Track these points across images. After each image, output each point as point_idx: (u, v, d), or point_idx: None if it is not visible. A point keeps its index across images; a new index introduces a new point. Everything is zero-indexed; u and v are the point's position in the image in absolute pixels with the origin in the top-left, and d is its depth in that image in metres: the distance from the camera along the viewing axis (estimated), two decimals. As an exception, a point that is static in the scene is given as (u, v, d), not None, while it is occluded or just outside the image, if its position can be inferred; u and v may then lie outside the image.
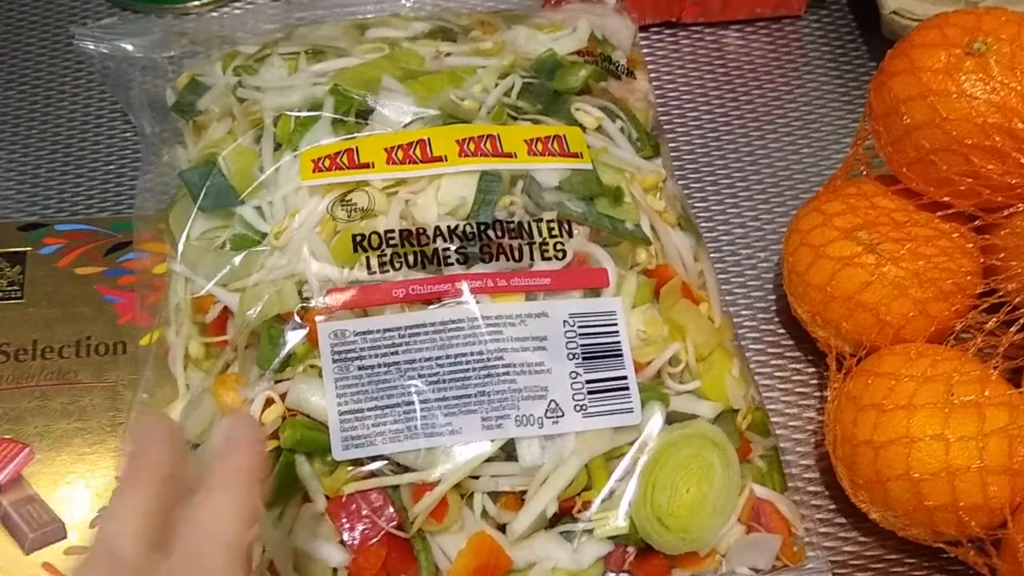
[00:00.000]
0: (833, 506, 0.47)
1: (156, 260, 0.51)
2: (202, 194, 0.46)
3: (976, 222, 0.45)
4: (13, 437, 0.46)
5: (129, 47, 0.53)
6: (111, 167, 0.56)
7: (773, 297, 0.52)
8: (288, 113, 0.47)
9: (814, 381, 0.50)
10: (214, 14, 0.62)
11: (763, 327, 0.52)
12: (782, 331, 0.51)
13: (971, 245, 0.45)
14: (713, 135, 0.58)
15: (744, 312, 0.52)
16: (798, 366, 0.51)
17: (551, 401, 0.42)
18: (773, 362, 0.51)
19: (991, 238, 0.45)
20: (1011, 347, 0.42)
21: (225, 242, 0.45)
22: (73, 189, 0.55)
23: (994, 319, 0.43)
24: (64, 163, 0.56)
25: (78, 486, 0.45)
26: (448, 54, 0.51)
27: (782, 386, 0.50)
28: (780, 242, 0.54)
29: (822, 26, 0.62)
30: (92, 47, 0.53)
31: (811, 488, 0.48)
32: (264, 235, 0.45)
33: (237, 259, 0.45)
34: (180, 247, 0.46)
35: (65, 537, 0.44)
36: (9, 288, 0.50)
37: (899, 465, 0.41)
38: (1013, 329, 0.42)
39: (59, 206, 0.54)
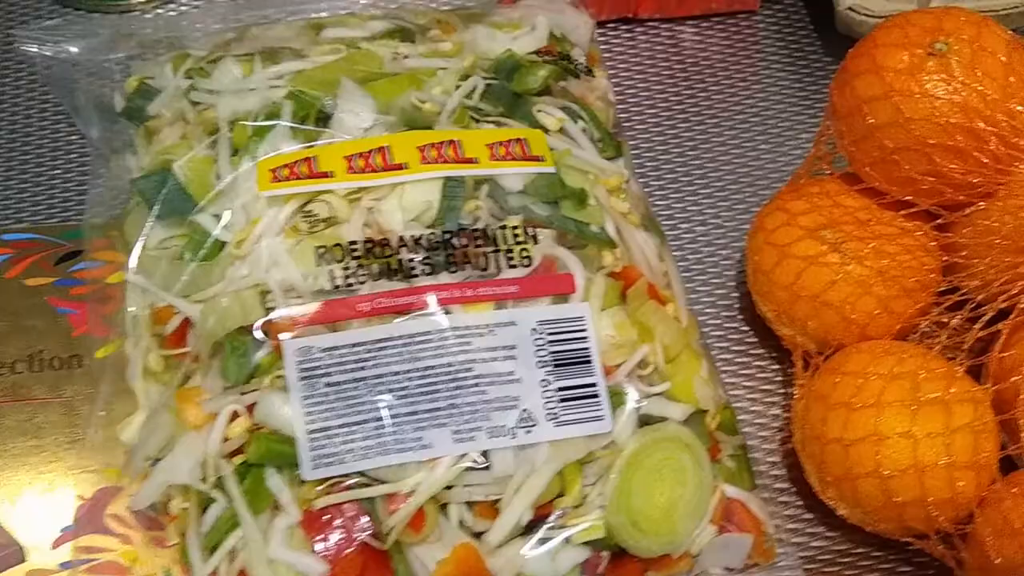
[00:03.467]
0: (800, 502, 0.47)
1: (110, 269, 0.49)
2: (158, 202, 0.45)
3: (938, 220, 0.45)
4: (-34, 458, 0.44)
5: (74, 49, 0.51)
6: (56, 173, 0.54)
7: (736, 295, 0.53)
8: (244, 119, 0.46)
9: (778, 378, 0.51)
10: (160, 11, 0.60)
11: (727, 325, 0.52)
12: (746, 328, 0.52)
13: (933, 243, 0.46)
14: (672, 132, 0.58)
15: (708, 311, 0.52)
16: (762, 363, 0.51)
17: (523, 411, 0.42)
18: (738, 360, 0.51)
19: (952, 236, 0.45)
20: (975, 344, 0.43)
21: (183, 252, 0.44)
22: (18, 196, 0.53)
23: (958, 316, 0.44)
24: (8, 171, 0.54)
25: (36, 507, 0.44)
26: (407, 56, 0.50)
27: (747, 384, 0.50)
28: (741, 239, 0.54)
29: (776, 21, 0.62)
30: (35, 49, 0.51)
31: (778, 485, 0.48)
32: (224, 244, 0.44)
33: (196, 269, 0.44)
34: (136, 257, 0.45)
35: (24, 560, 0.43)
36: (-44, 302, 0.48)
37: (868, 462, 0.41)
38: (977, 326, 0.43)
39: (4, 215, 0.52)
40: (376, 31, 0.51)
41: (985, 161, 0.42)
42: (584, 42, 0.54)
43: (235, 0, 0.59)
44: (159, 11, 0.60)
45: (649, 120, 0.58)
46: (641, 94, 0.59)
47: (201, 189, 0.45)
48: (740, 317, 0.52)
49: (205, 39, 0.51)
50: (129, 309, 0.46)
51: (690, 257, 0.54)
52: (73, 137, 0.55)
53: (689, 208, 0.55)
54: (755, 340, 0.51)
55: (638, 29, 0.61)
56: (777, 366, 0.51)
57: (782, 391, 0.50)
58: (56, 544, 0.43)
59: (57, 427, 0.46)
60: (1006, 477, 0.41)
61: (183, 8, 0.60)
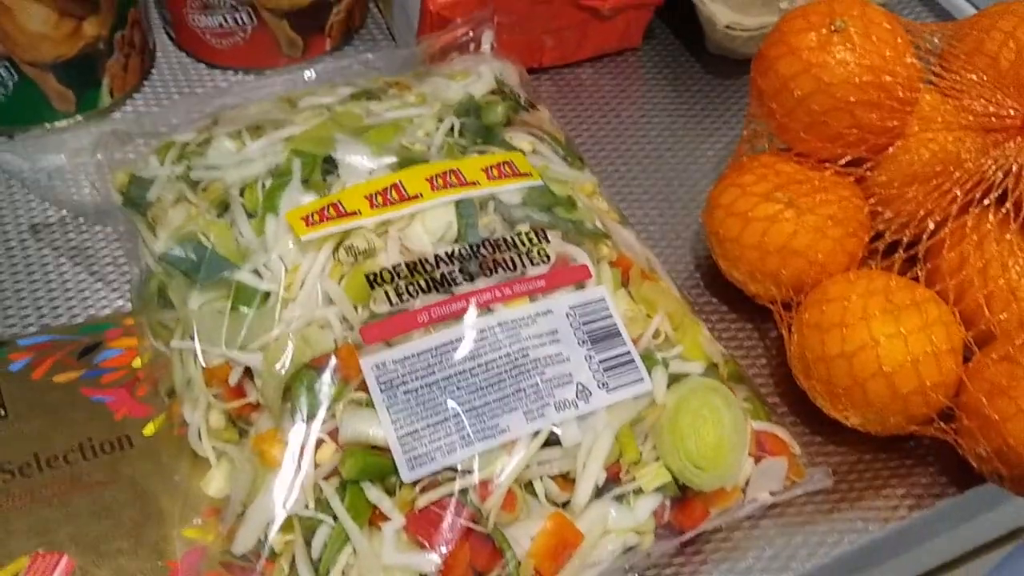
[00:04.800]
0: (807, 430, 0.54)
1: (131, 355, 0.51)
2: (197, 269, 0.47)
3: (863, 167, 0.54)
4: (46, 549, 0.44)
5: (56, 157, 0.53)
6: (50, 279, 0.55)
7: (693, 279, 0.60)
8: (254, 183, 0.50)
9: (754, 336, 0.58)
10: (121, 113, 0.63)
11: (698, 300, 0.59)
12: (715, 300, 0.59)
13: (857, 189, 0.55)
14: (600, 156, 0.65)
15: (681, 291, 0.59)
16: (736, 325, 0.58)
17: (578, 384, 0.47)
18: (716, 327, 0.58)
19: (874, 178, 0.54)
20: (903, 264, 0.52)
21: (235, 307, 0.46)
22: (27, 302, 0.54)
23: (885, 242, 0.53)
24: (15, 280, 0.54)
25: (128, 581, 0.44)
26: (380, 111, 0.55)
27: (729, 345, 0.57)
28: (683, 233, 0.62)
29: (657, 52, 0.71)
30: (18, 163, 0.52)
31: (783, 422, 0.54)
32: (267, 295, 0.47)
33: (252, 320, 0.46)
34: (188, 321, 0.47)
35: (136, 632, 0.43)
36: (-10, 409, 0.48)
37: (871, 365, 0.48)
38: (900, 251, 0.52)
39: (14, 323, 0.53)
40: (343, 96, 0.56)
41: (895, 106, 0.51)
42: (516, 84, 0.61)
43: (185, 95, 0.63)
44: (122, 112, 0.62)
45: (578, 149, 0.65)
46: (564, 128, 0.66)
47: (229, 251, 0.48)
48: (707, 292, 0.59)
49: (185, 127, 0.54)
50: (179, 376, 0.48)
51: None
52: (42, 245, 0.56)
53: (635, 215, 0.62)
54: (725, 308, 0.58)
55: (544, 76, 0.69)
56: (750, 325, 0.58)
57: (760, 345, 0.57)
58: (159, 610, 0.43)
59: (127, 504, 0.46)
60: (982, 350, 0.50)
61: (115, 116, 0.63)
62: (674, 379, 0.49)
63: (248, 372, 0.46)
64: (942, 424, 0.50)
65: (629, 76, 0.69)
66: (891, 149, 0.53)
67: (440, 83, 0.57)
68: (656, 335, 0.51)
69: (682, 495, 0.48)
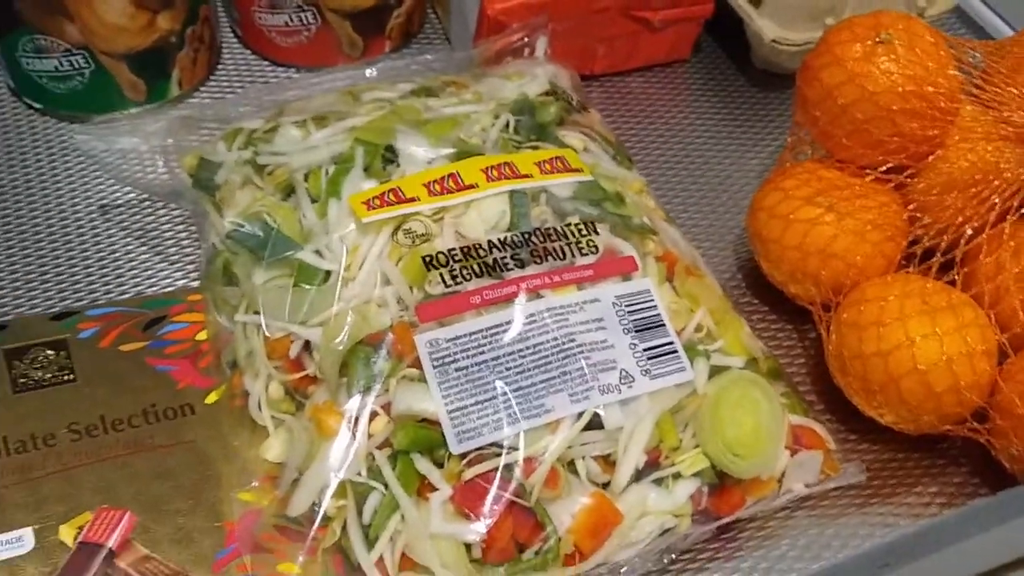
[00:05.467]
0: (843, 427, 0.55)
1: (195, 329, 0.54)
2: (263, 247, 0.50)
3: (904, 174, 0.56)
4: (110, 506, 0.46)
5: (131, 140, 0.56)
6: (117, 257, 0.58)
7: (735, 280, 0.62)
8: (318, 169, 0.52)
9: (793, 336, 0.59)
10: (188, 102, 0.66)
11: (740, 300, 0.60)
12: (756, 301, 0.60)
13: (897, 196, 0.56)
14: (647, 162, 0.67)
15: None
16: (776, 326, 0.60)
17: (622, 370, 0.49)
18: (757, 327, 0.59)
19: (914, 185, 0.56)
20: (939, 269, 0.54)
21: (297, 284, 0.49)
22: (96, 277, 0.57)
23: (922, 247, 0.54)
24: (83, 254, 0.57)
25: (186, 539, 0.46)
26: (439, 107, 0.57)
27: (769, 344, 0.59)
28: (726, 237, 0.64)
29: (705, 65, 0.73)
30: (95, 144, 0.55)
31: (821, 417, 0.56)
32: (328, 273, 0.49)
33: (314, 296, 0.48)
34: (248, 298, 0.49)
35: (193, 586, 0.45)
36: (60, 372, 0.50)
37: (907, 363, 0.50)
38: (938, 256, 0.53)
39: (84, 297, 0.55)
40: (404, 91, 0.59)
41: (936, 116, 0.53)
42: (568, 88, 0.64)
43: (262, 84, 0.66)
44: (192, 100, 0.65)
45: (625, 153, 0.67)
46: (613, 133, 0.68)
47: (292, 232, 0.50)
48: (749, 293, 0.61)
49: (246, 116, 0.57)
50: (242, 348, 0.50)
51: (692, 254, 0.63)
52: (107, 222, 0.59)
53: (679, 219, 0.64)
54: (766, 309, 0.60)
55: (595, 83, 0.71)
56: (790, 326, 0.59)
57: (799, 346, 0.59)
58: (216, 567, 0.45)
59: (187, 467, 0.48)
60: (1017, 353, 0.51)
61: (183, 111, 0.66)
62: (715, 371, 0.51)
63: (307, 346, 0.49)
64: (975, 424, 0.51)
65: (677, 87, 0.71)
66: (931, 157, 0.55)
67: (496, 83, 0.60)
68: (698, 329, 0.52)
69: (720, 482, 0.49)
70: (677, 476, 0.48)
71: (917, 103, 0.53)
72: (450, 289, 0.48)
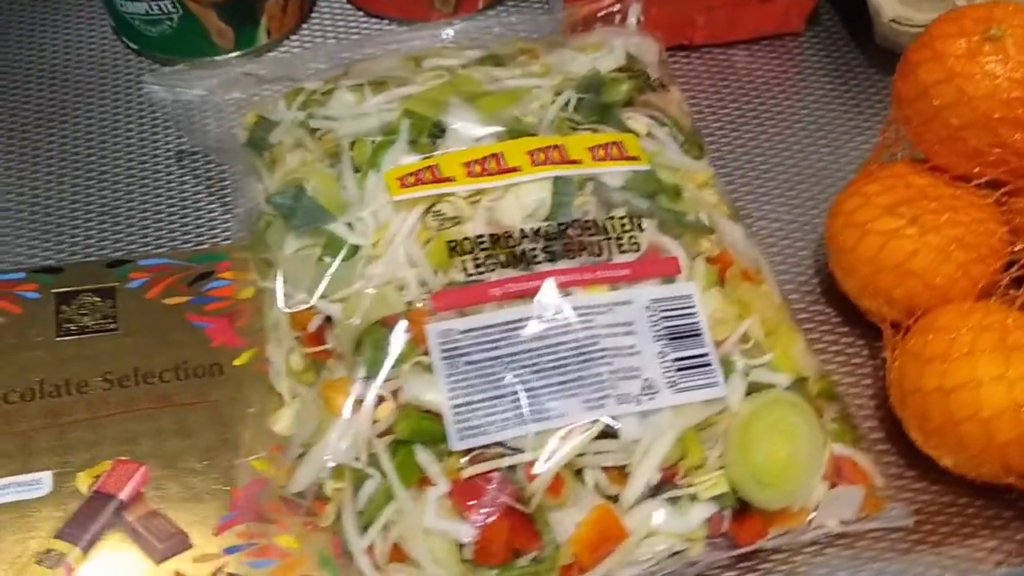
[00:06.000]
0: (901, 462, 0.51)
1: (238, 287, 0.54)
2: (295, 215, 0.49)
3: (1000, 191, 0.49)
4: (129, 458, 0.48)
5: (197, 91, 0.56)
6: (185, 206, 0.59)
7: (815, 281, 0.57)
8: (363, 138, 0.51)
9: (864, 353, 0.54)
10: (270, 54, 0.66)
11: (811, 308, 0.56)
12: (829, 310, 0.56)
13: (997, 212, 0.50)
14: (737, 143, 0.62)
15: (792, 296, 0.56)
16: (847, 340, 0.55)
17: (645, 379, 0.46)
18: (824, 339, 0.55)
19: (1013, 204, 0.50)
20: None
21: (323, 256, 0.48)
22: (152, 227, 0.58)
23: (1016, 271, 0.48)
24: (128, 204, 0.59)
25: (195, 499, 0.47)
26: (503, 78, 0.55)
27: (836, 360, 0.54)
28: (809, 235, 0.59)
29: (820, 40, 0.67)
30: (162, 94, 0.56)
31: (878, 448, 0.51)
32: (356, 248, 0.48)
33: (337, 271, 0.48)
34: (278, 265, 0.49)
35: (191, 547, 0.46)
36: (104, 320, 0.52)
37: (969, 407, 0.45)
38: None
39: (136, 244, 0.57)
40: (470, 59, 0.56)
41: (1047, 129, 0.47)
42: (653, 63, 0.60)
43: (338, 41, 0.65)
44: (270, 54, 0.65)
45: (714, 134, 0.63)
46: (703, 112, 0.64)
47: (330, 202, 0.50)
48: (822, 300, 0.56)
49: (315, 75, 0.56)
50: (269, 315, 0.50)
51: (765, 253, 0.58)
52: (184, 173, 0.60)
53: (761, 210, 0.60)
54: (839, 320, 0.55)
55: (695, 54, 0.66)
56: (862, 341, 0.55)
57: (870, 364, 0.54)
58: (218, 531, 0.46)
59: (207, 427, 0.49)
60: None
61: (286, 53, 0.66)
62: (755, 388, 0.48)
63: (328, 320, 0.48)
64: (1039, 482, 0.46)
65: (784, 63, 0.66)
66: (1035, 174, 0.48)
67: (568, 55, 0.57)
68: (745, 340, 0.49)
69: (742, 508, 0.46)
70: (694, 498, 0.46)
71: (1023, 112, 0.47)
72: (472, 278, 0.46)
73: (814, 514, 0.47)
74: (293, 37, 0.68)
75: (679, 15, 0.64)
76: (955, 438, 0.46)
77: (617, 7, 0.62)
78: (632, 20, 0.62)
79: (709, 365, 0.47)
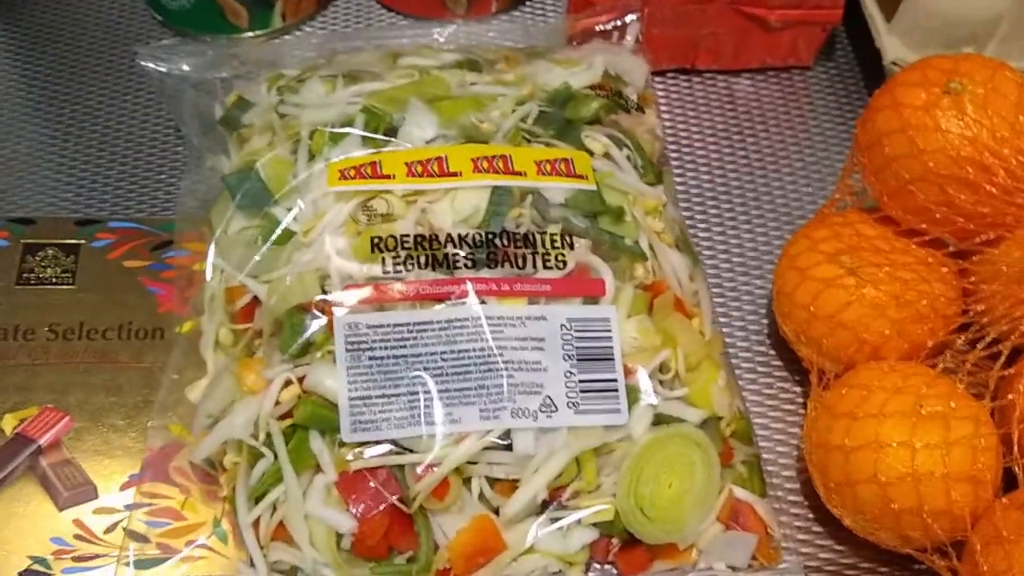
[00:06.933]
0: (812, 515, 0.49)
1: (196, 258, 0.55)
2: (240, 194, 0.51)
3: (950, 248, 0.48)
4: (55, 406, 0.50)
5: (185, 67, 0.58)
6: (162, 175, 0.61)
7: (765, 321, 0.56)
8: (322, 128, 0.52)
9: (799, 400, 0.53)
10: (262, 39, 0.68)
11: (755, 348, 0.55)
12: (771, 352, 0.54)
13: (946, 270, 0.48)
14: (719, 172, 0.61)
15: (737, 332, 0.55)
16: (785, 385, 0.53)
17: (546, 396, 0.46)
18: (762, 380, 0.54)
19: (964, 263, 0.48)
20: (977, 364, 0.45)
21: (257, 238, 0.50)
22: (127, 192, 0.60)
23: (963, 338, 0.46)
24: (121, 168, 0.61)
25: (110, 454, 0.49)
26: (473, 83, 0.55)
27: (770, 403, 0.53)
28: (769, 273, 0.57)
29: (829, 77, 0.65)
30: (152, 66, 0.58)
31: (791, 497, 0.50)
32: (293, 233, 0.49)
33: (267, 253, 0.49)
34: (216, 240, 0.51)
35: (96, 498, 0.48)
36: (63, 275, 0.54)
37: (868, 469, 0.43)
38: (979, 347, 0.45)
39: (113, 206, 0.59)
40: (447, 61, 0.57)
41: (993, 192, 0.45)
42: (639, 83, 0.59)
43: (330, 31, 0.67)
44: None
45: (700, 160, 0.62)
46: (694, 136, 0.63)
47: (279, 185, 0.51)
48: (767, 342, 0.55)
49: (299, 63, 0.58)
50: (208, 288, 0.52)
51: (727, 283, 0.57)
52: (178, 145, 0.62)
53: (730, 240, 0.58)
54: (779, 363, 0.54)
55: (696, 79, 0.65)
56: (799, 388, 0.53)
57: (802, 411, 0.53)
58: (124, 487, 0.48)
59: (136, 388, 0.51)
60: (1006, 493, 0.43)
61: (286, 38, 0.67)
62: (664, 420, 0.47)
63: (257, 300, 0.50)
64: (937, 558, 0.44)
65: (786, 96, 0.64)
66: (978, 239, 0.46)
67: (543, 67, 0.57)
68: (665, 370, 0.48)
69: (631, 537, 0.46)
70: (579, 521, 0.46)
71: (972, 172, 0.45)
72: (389, 275, 0.47)
73: (702, 554, 0.46)
74: (309, 24, 0.69)
75: (681, 38, 0.64)
76: (852, 498, 0.44)
77: (617, 24, 0.61)
78: (629, 39, 0.61)
79: (615, 391, 0.46)
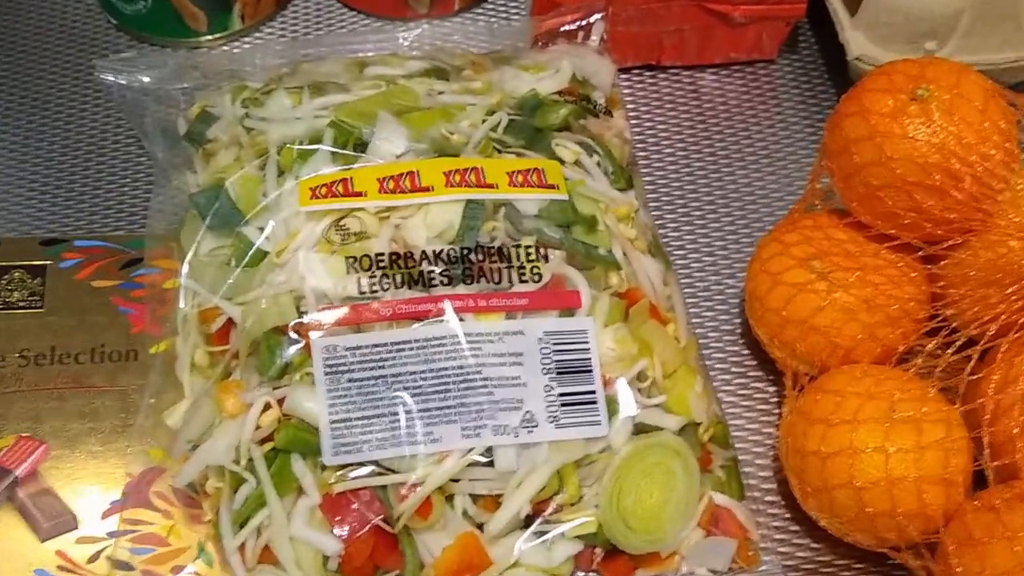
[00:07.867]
0: (788, 515, 0.50)
1: (166, 276, 0.55)
2: (210, 215, 0.50)
3: (920, 252, 0.48)
4: (31, 435, 0.50)
5: (145, 79, 0.57)
6: (125, 189, 0.60)
7: (738, 321, 0.56)
8: (290, 145, 0.52)
9: (774, 399, 0.54)
10: (224, 48, 0.67)
11: (728, 348, 0.55)
12: (745, 352, 0.55)
13: (915, 274, 0.49)
14: (687, 170, 0.62)
15: (711, 335, 0.56)
16: (759, 385, 0.54)
17: (526, 412, 0.46)
18: (736, 381, 0.54)
19: (934, 268, 0.49)
20: (948, 367, 0.46)
21: (230, 259, 0.49)
22: (91, 209, 0.59)
23: (934, 342, 0.47)
24: (83, 184, 0.60)
25: (89, 482, 0.49)
26: (441, 92, 0.55)
27: (744, 403, 0.54)
28: (740, 272, 0.58)
29: (793, 70, 0.66)
30: (111, 78, 0.57)
31: (768, 498, 0.51)
32: (266, 254, 0.49)
33: (240, 275, 0.49)
34: (188, 262, 0.50)
35: (76, 528, 0.48)
36: (31, 298, 0.54)
37: (843, 474, 0.44)
38: (950, 351, 0.46)
39: (77, 224, 0.58)
40: (414, 70, 0.56)
41: (960, 199, 0.45)
42: (606, 85, 0.59)
43: (292, 38, 0.66)
44: (224, 48, 0.66)
45: (667, 158, 0.62)
46: (661, 134, 0.63)
47: (249, 204, 0.50)
48: (741, 342, 0.56)
49: (262, 72, 0.57)
50: (180, 310, 0.51)
51: (698, 284, 0.57)
52: (141, 157, 0.61)
53: (700, 240, 0.59)
54: (753, 363, 0.55)
55: (661, 75, 0.65)
56: (773, 388, 0.54)
57: (776, 411, 0.53)
58: (105, 515, 0.48)
59: (112, 412, 0.51)
60: (986, 490, 0.44)
61: (246, 45, 0.66)
62: (644, 429, 0.48)
63: (232, 322, 0.49)
64: (911, 557, 0.45)
65: (751, 90, 0.65)
66: (947, 244, 0.47)
67: (510, 73, 0.56)
68: (642, 379, 0.49)
69: (611, 546, 0.47)
70: (562, 535, 0.46)
71: (939, 178, 0.45)
72: (365, 295, 0.47)
73: (684, 560, 0.47)
74: (269, 25, 0.68)
75: (646, 35, 0.64)
76: (829, 503, 0.45)
77: (581, 23, 0.61)
78: (595, 39, 0.61)
79: (594, 403, 0.47)
